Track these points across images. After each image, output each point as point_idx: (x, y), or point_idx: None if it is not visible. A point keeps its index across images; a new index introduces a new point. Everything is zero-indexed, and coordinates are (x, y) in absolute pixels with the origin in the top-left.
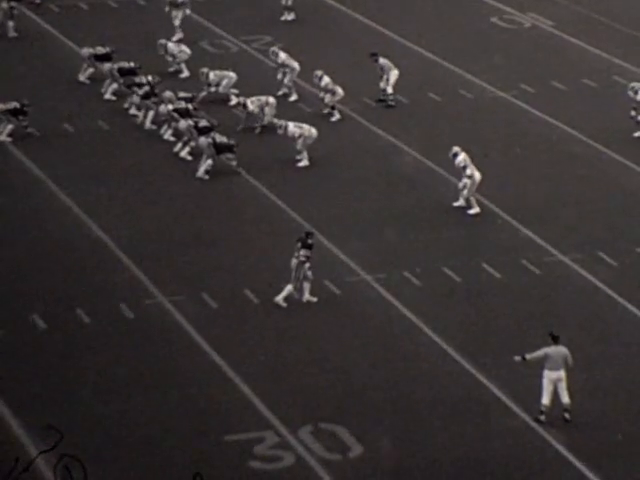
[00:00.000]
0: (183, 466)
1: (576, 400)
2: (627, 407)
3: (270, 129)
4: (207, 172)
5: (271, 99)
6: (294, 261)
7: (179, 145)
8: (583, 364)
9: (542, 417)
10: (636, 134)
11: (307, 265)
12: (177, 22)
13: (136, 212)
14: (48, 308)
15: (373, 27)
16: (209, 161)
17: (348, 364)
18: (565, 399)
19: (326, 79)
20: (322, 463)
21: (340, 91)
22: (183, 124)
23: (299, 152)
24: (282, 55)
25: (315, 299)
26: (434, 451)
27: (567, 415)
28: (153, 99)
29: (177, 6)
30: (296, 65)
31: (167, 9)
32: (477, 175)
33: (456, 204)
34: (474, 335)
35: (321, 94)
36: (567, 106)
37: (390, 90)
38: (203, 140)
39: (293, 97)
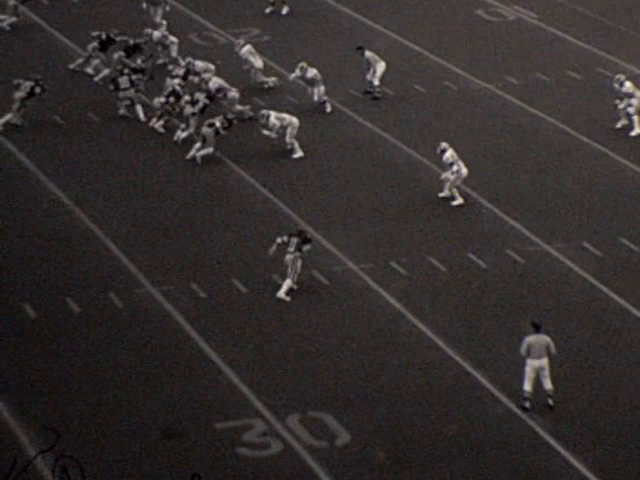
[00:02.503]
0: (173, 452)
1: (559, 387)
2: (609, 393)
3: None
4: (203, 158)
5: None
6: (289, 257)
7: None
8: (566, 351)
9: (527, 404)
10: (618, 125)
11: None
12: (158, 18)
13: (125, 203)
14: (38, 297)
15: (360, 20)
16: (210, 149)
17: (336, 352)
18: (548, 385)
19: (312, 71)
20: (309, 450)
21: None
22: (188, 110)
23: (290, 144)
24: (245, 49)
25: (288, 299)
26: (420, 438)
27: (550, 401)
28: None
29: (155, 4)
30: (259, 63)
31: (144, 6)
32: (464, 171)
33: (441, 195)
34: (460, 324)
35: (309, 89)
36: (551, 98)
37: (377, 82)
38: (207, 130)
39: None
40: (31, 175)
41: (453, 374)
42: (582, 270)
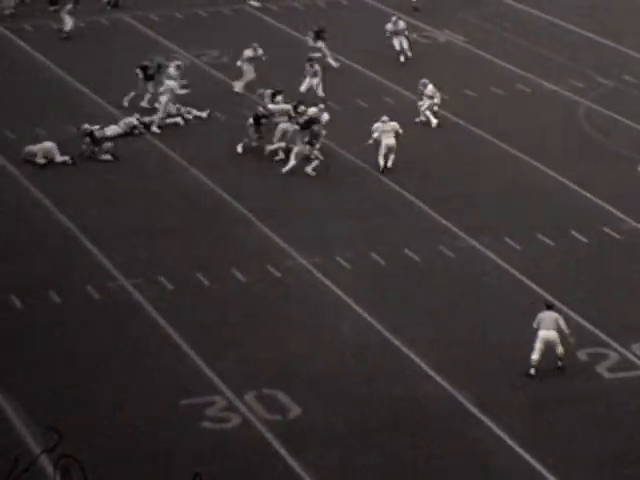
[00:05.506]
0: (145, 426)
1: (476, 359)
2: (524, 368)
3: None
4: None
5: None
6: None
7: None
8: (490, 331)
9: (532, 371)
10: (417, 120)
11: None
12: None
13: (100, 205)
14: (24, 289)
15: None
16: (254, 143)
17: (288, 337)
18: (559, 350)
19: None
20: (265, 423)
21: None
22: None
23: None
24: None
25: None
26: (359, 411)
27: (560, 363)
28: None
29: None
30: (173, 85)
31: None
32: (385, 143)
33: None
34: (397, 311)
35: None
36: (477, 110)
37: (321, 93)
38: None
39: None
40: (14, 180)
41: (390, 355)
42: (504, 262)
